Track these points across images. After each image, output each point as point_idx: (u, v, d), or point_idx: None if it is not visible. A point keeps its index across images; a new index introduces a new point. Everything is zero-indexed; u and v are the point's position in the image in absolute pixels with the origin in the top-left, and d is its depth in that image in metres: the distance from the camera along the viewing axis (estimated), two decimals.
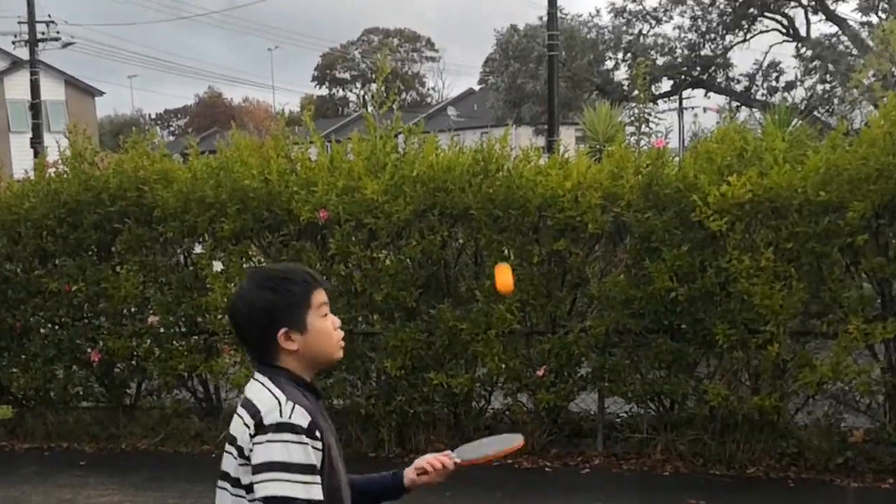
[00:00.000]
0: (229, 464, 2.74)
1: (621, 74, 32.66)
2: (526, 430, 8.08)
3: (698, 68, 32.88)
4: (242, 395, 2.82)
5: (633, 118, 8.49)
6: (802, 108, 24.92)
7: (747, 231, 7.44)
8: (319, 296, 2.81)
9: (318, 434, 2.68)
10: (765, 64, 32.57)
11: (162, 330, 8.75)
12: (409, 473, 3.11)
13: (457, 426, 8.36)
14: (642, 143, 8.29)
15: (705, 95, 34.48)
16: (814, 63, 30.34)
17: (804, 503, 7.11)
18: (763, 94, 32.15)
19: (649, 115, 8.54)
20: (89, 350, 8.90)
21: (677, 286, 7.41)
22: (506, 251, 8.00)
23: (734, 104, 31.70)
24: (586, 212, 7.62)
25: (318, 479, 2.65)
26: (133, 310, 8.93)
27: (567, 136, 26.52)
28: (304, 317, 2.77)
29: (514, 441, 3.22)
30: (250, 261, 8.56)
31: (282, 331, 2.75)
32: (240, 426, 2.70)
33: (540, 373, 7.85)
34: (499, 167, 8.06)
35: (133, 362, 8.99)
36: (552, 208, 7.74)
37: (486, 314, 7.85)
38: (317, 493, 2.63)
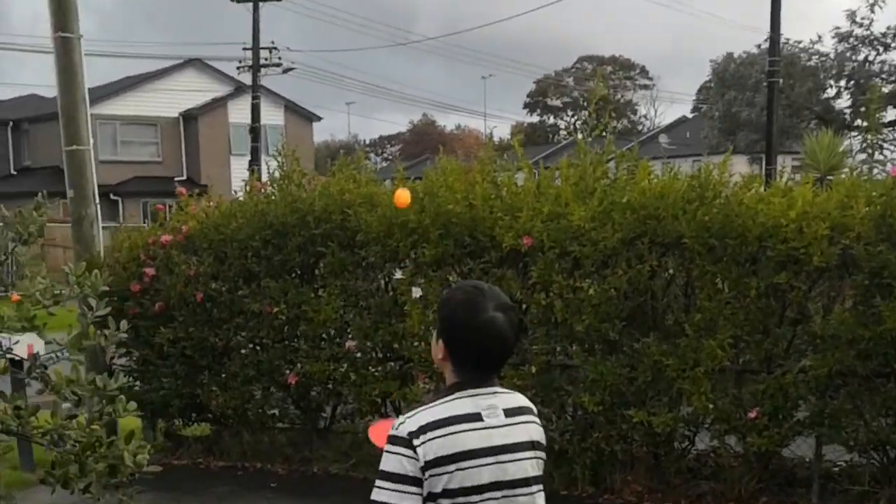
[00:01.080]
0: (538, 467, 3.01)
1: (843, 103, 31.20)
2: (734, 476, 7.58)
3: None
4: (507, 403, 3.01)
5: (864, 143, 7.88)
6: None
7: None
8: None
9: None
10: None
11: (359, 355, 8.64)
12: None
13: (657, 467, 7.93)
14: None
15: None
16: None
17: None
18: None
19: (883, 140, 7.91)
20: (287, 372, 8.86)
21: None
22: (720, 283, 7.50)
23: None
24: (812, 243, 7.06)
25: None
26: (332, 333, 8.84)
27: (784, 166, 25.50)
28: None
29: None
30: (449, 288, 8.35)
31: None
32: (537, 428, 3.04)
33: (752, 415, 7.30)
34: (716, 194, 7.59)
35: (329, 386, 8.90)
36: (773, 238, 7.21)
37: (695, 349, 7.38)
38: None
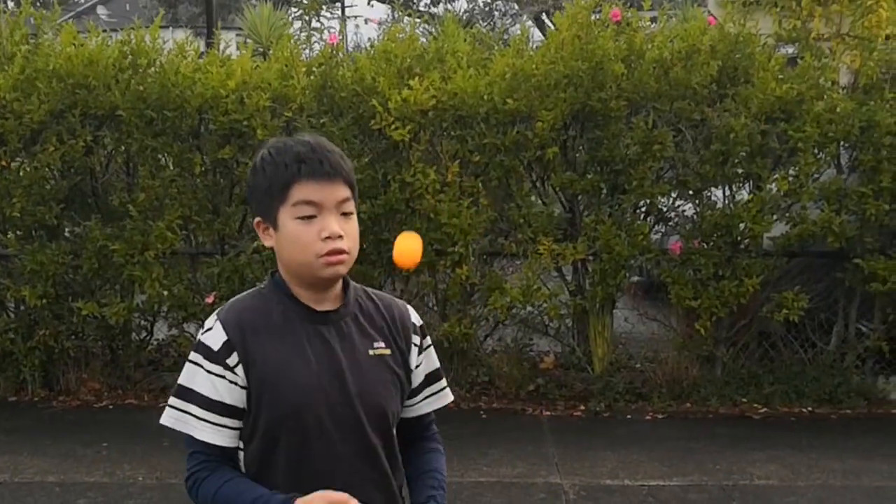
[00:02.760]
0: None
1: None
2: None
3: None
4: None
5: (301, 12, 7.68)
6: (464, 20, 24.86)
7: (432, 142, 6.93)
8: (300, 191, 2.12)
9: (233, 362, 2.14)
10: None
11: None
12: None
13: (114, 362, 7.48)
14: (313, 39, 7.58)
15: (368, 3, 33.91)
16: None
17: (498, 434, 6.53)
18: (426, 5, 31.95)
19: (320, 5, 7.74)
20: None
21: (359, 202, 6.72)
22: (162, 159, 7.10)
23: (397, 14, 31.35)
24: (254, 115, 6.82)
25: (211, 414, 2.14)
26: None
27: (228, 42, 25.28)
28: (275, 211, 2.16)
29: None
30: None
31: (256, 219, 2.23)
32: None
33: (209, 300, 6.99)
34: (150, 62, 7.14)
35: None
36: (214, 110, 6.91)
37: (143, 232, 6.95)
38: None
